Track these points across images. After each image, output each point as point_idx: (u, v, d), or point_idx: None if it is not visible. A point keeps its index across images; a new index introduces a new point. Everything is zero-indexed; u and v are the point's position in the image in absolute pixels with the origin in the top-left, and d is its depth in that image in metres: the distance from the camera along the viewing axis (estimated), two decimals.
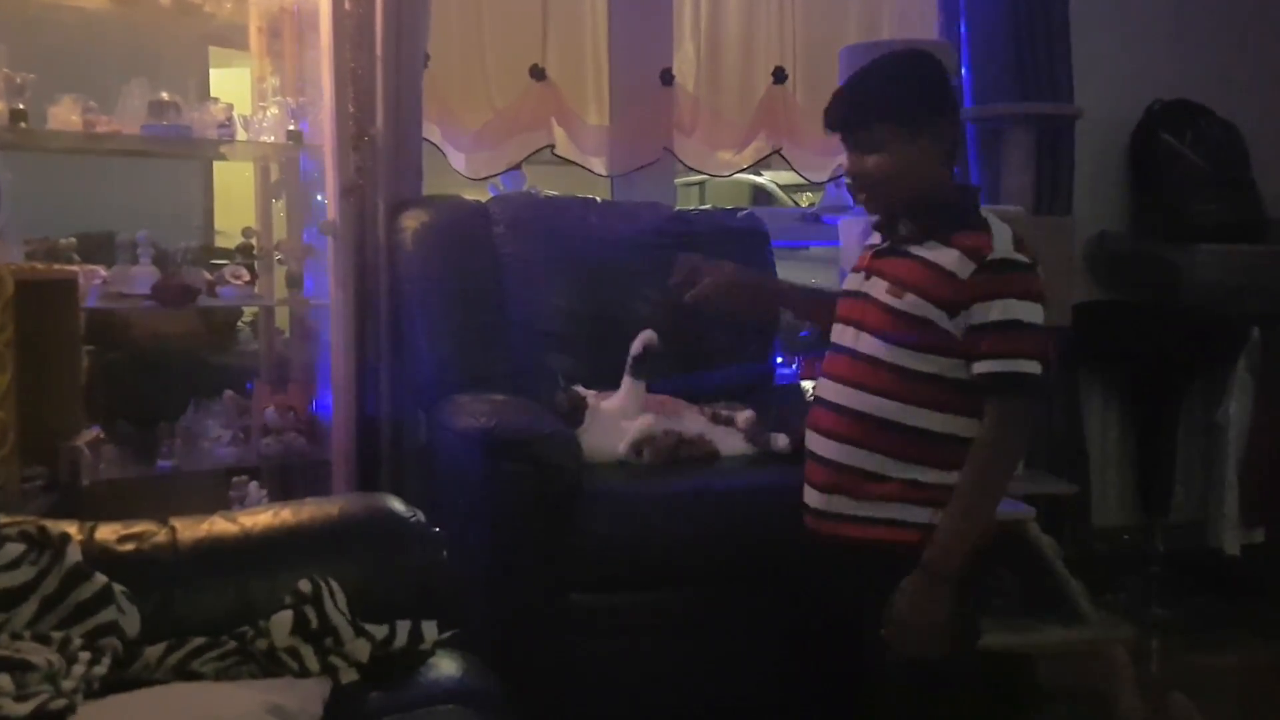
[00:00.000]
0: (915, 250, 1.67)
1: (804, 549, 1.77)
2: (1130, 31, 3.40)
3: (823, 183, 3.38)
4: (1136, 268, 3.25)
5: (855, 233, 2.89)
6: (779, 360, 2.90)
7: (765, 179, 5.34)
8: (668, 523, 2.03)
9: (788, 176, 4.37)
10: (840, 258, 3.05)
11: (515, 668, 1.69)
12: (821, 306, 1.91)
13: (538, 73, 2.98)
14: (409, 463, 2.56)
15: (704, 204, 4.16)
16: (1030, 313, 1.59)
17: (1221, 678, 2.64)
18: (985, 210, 1.69)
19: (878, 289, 1.69)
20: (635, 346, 2.24)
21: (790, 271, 3.10)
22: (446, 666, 1.40)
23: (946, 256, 1.62)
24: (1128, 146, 3.37)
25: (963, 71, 3.12)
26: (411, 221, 2.55)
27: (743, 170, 3.45)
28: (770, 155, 3.24)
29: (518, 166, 3.01)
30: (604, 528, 1.99)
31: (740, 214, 2.95)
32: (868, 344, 1.68)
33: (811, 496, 1.75)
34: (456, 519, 1.98)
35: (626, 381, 2.23)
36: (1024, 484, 2.61)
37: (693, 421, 2.27)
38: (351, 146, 2.54)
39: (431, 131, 2.84)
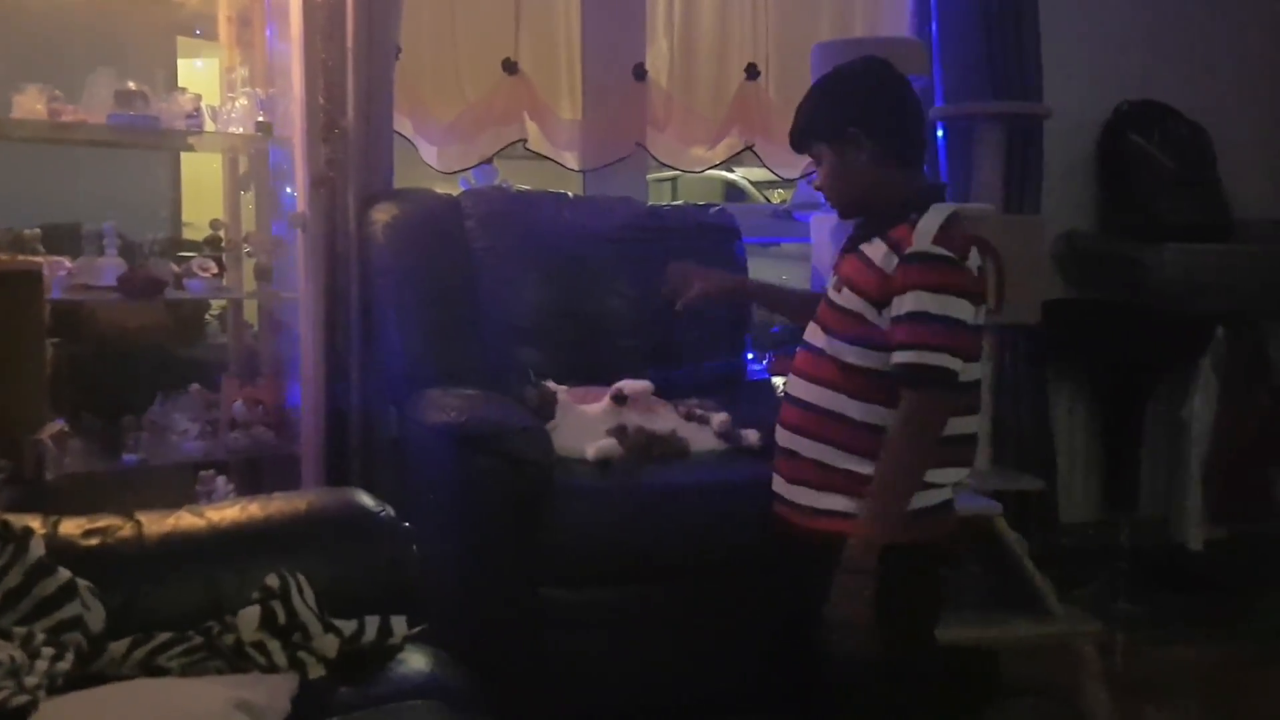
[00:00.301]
0: (861, 248, 1.72)
1: (774, 540, 1.78)
2: (1099, 32, 3.44)
3: (795, 179, 3.39)
4: (1104, 266, 3.29)
5: (826, 230, 2.91)
6: (750, 356, 2.90)
7: (738, 175, 5.35)
8: (639, 518, 2.04)
9: (760, 173, 4.38)
10: (811, 254, 3.07)
11: (487, 663, 1.69)
12: (808, 307, 1.93)
13: (510, 66, 2.97)
14: (379, 457, 2.55)
15: (676, 200, 4.16)
16: (942, 305, 1.59)
17: (1186, 672, 2.67)
18: (943, 206, 1.69)
19: (830, 286, 1.76)
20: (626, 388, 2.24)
21: (761, 268, 3.12)
22: (416, 662, 1.40)
23: (877, 252, 1.67)
24: (1096, 146, 3.41)
25: (934, 70, 3.14)
26: (382, 215, 2.53)
27: (715, 166, 3.46)
28: (742, 151, 3.25)
29: (489, 160, 3.00)
30: (575, 523, 1.99)
31: (712, 210, 2.96)
32: (820, 339, 1.74)
33: (779, 486, 1.78)
34: (427, 514, 1.98)
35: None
36: (992, 480, 2.64)
37: (665, 418, 2.27)
38: (322, 138, 2.53)
39: (403, 124, 2.82)
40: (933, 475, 1.67)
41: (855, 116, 1.73)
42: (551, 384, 2.24)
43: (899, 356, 1.60)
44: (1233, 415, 3.11)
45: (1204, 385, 3.12)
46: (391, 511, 1.54)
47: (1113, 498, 3.33)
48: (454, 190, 2.79)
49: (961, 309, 1.61)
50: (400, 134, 2.79)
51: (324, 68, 2.53)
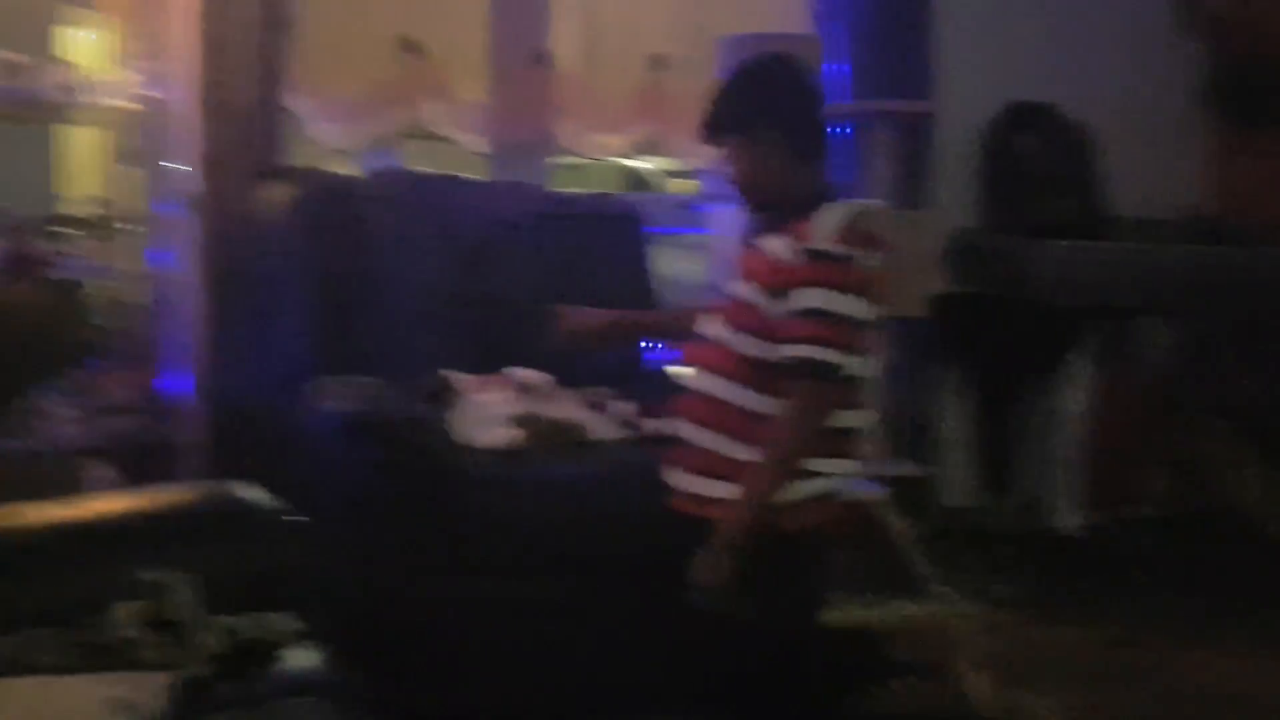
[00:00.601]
0: (763, 241, 1.76)
1: (676, 531, 1.81)
2: (989, 34, 3.54)
3: (699, 171, 3.43)
4: (989, 262, 3.39)
5: (729, 221, 2.96)
6: (650, 345, 2.93)
7: (643, 164, 5.38)
8: (540, 508, 2.04)
9: (665, 162, 4.41)
10: (715, 245, 3.11)
11: (380, 659, 1.69)
12: (688, 323, 1.97)
13: (411, 45, 2.93)
14: (269, 447, 2.48)
15: (582, 187, 4.17)
16: (833, 302, 1.64)
17: (1059, 652, 2.77)
18: (838, 204, 1.74)
19: (731, 279, 1.80)
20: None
21: (665, 257, 3.14)
22: (300, 659, 1.39)
23: (778, 246, 1.71)
24: (984, 144, 3.50)
25: (834, 67, 3.20)
26: (276, 194, 2.48)
27: (621, 154, 3.47)
28: (649, 141, 3.26)
29: (388, 140, 2.95)
30: (475, 513, 1.99)
31: (617, 199, 2.98)
32: (718, 330, 1.77)
33: (677, 477, 1.81)
34: (319, 506, 1.94)
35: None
36: (878, 467, 2.73)
37: (568, 407, 2.28)
38: (212, 114, 2.46)
39: (298, 101, 2.76)
40: (819, 465, 1.71)
41: (767, 111, 1.77)
42: (453, 372, 2.23)
43: (791, 350, 1.65)
44: (1105, 406, 3.26)
45: (1080, 376, 3.26)
46: (278, 505, 1.52)
47: (992, 484, 3.46)
48: (351, 171, 2.74)
49: (853, 306, 1.66)
50: (296, 111, 2.73)
51: (217, 41, 2.46)
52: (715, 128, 1.81)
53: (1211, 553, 3.53)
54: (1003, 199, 3.46)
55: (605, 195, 3.03)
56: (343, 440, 2.01)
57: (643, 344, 2.87)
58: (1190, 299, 3.54)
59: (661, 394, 2.27)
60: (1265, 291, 3.47)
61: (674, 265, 3.46)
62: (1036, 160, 3.39)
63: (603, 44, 3.21)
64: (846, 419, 1.74)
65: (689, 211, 3.53)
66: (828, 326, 1.63)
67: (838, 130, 3.22)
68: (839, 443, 1.75)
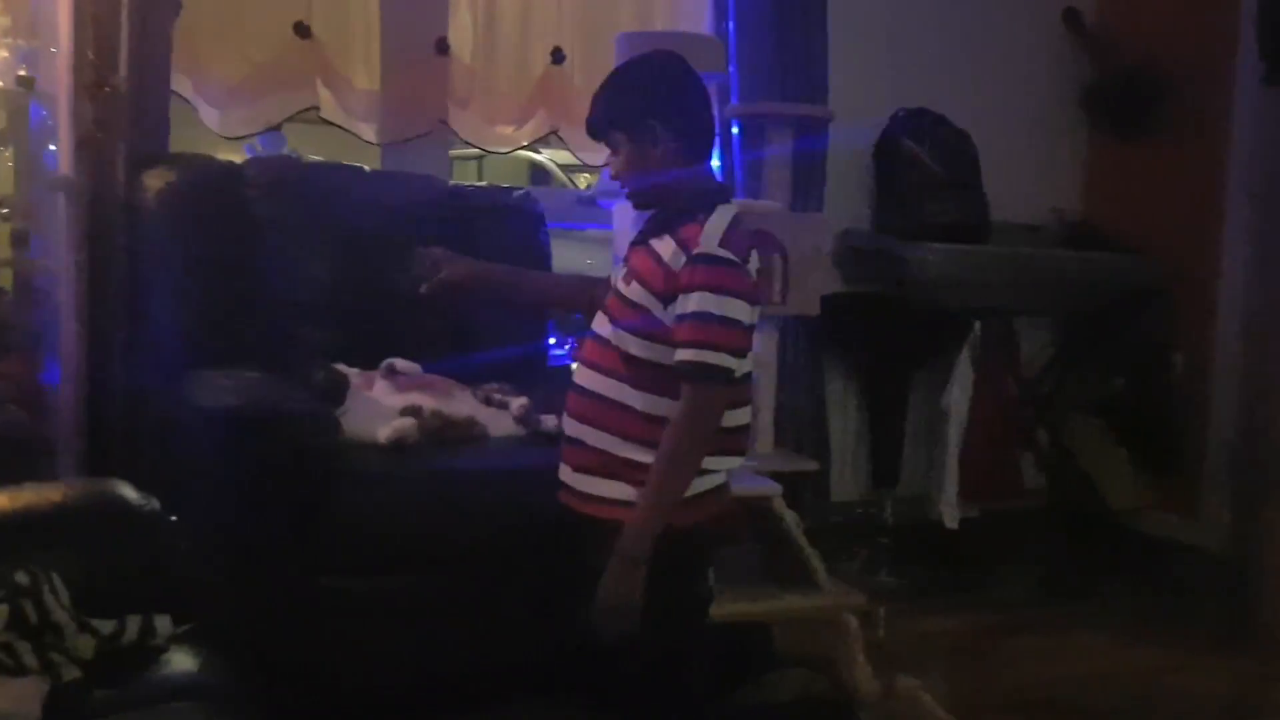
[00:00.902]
0: (650, 241, 1.77)
1: (564, 528, 1.81)
2: (881, 42, 3.65)
3: (600, 165, 3.42)
4: (876, 263, 3.49)
5: (628, 218, 2.96)
6: (553, 341, 2.92)
7: (544, 157, 5.35)
8: (432, 504, 2.01)
9: (566, 156, 4.40)
10: (614, 241, 3.11)
11: (264, 658, 1.64)
12: (580, 292, 1.96)
13: (303, 29, 2.85)
14: (147, 442, 2.39)
15: (481, 180, 4.12)
16: (724, 307, 1.66)
17: (939, 641, 2.88)
18: (729, 207, 1.76)
19: (619, 277, 1.80)
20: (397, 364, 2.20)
21: (565, 252, 3.14)
22: (181, 661, 1.34)
23: (666, 248, 1.72)
24: (874, 149, 3.60)
25: (730, 68, 3.24)
26: (155, 180, 2.38)
27: (521, 148, 3.44)
28: (549, 135, 3.24)
29: (278, 127, 2.87)
30: (362, 510, 1.95)
31: (516, 193, 2.94)
32: (606, 329, 1.78)
33: (564, 474, 1.82)
34: (200, 504, 1.89)
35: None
36: (771, 462, 2.78)
37: (462, 403, 2.25)
38: (89, 96, 2.36)
39: (182, 84, 2.66)
40: (708, 462, 1.74)
41: (653, 107, 1.77)
42: (343, 367, 2.18)
43: (682, 354, 1.67)
44: (985, 403, 3.38)
45: (961, 375, 3.37)
46: (156, 503, 1.46)
47: (879, 478, 3.55)
48: (237, 157, 2.65)
49: (741, 310, 1.69)
50: (178, 94, 2.63)
51: (94, 19, 2.35)
52: (599, 125, 1.82)
53: (1082, 543, 3.72)
54: (891, 202, 3.56)
55: (504, 188, 2.98)
56: (224, 435, 1.94)
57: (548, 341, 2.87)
58: (1061, 301, 3.72)
59: (560, 390, 2.27)
60: (1126, 294, 3.67)
61: (576, 261, 3.47)
62: (922, 165, 3.49)
63: (503, 35, 3.17)
64: (735, 417, 1.77)
65: (590, 207, 3.53)
66: (717, 330, 1.66)
67: (735, 131, 3.28)
68: (727, 440, 1.77)
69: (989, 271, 3.42)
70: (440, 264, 1.96)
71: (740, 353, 1.70)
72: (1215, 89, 3.59)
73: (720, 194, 1.83)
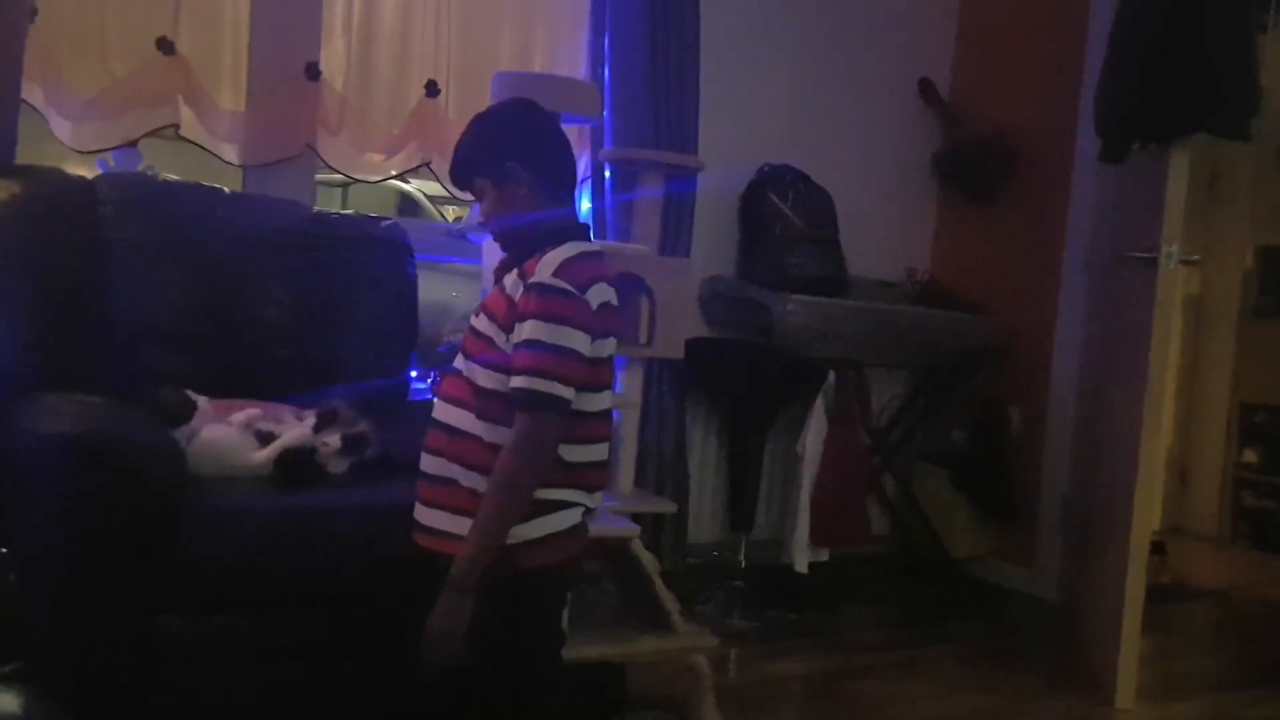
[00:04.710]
0: (504, 277, 1.81)
1: (413, 565, 1.78)
2: (750, 98, 3.78)
3: (469, 200, 3.41)
4: (739, 310, 3.58)
5: (497, 253, 2.96)
6: (414, 375, 2.88)
7: (414, 188, 5.29)
8: (272, 541, 1.94)
9: (436, 187, 4.37)
10: (483, 275, 3.10)
11: (96, 700, 1.55)
12: None
13: (166, 45, 2.76)
14: None
15: (347, 207, 4.05)
16: (555, 335, 1.67)
17: (788, 684, 2.91)
18: (577, 244, 1.78)
19: (473, 312, 1.83)
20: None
21: (433, 285, 3.09)
22: (4, 703, 1.25)
23: (510, 280, 1.76)
24: (740, 200, 3.71)
25: (605, 113, 3.29)
26: (0, 192, 2.25)
27: (390, 177, 3.40)
28: (419, 166, 3.22)
29: (134, 143, 2.76)
30: (202, 546, 1.86)
31: (384, 223, 2.90)
32: (460, 362, 1.80)
33: (417, 510, 1.80)
34: (30, 537, 1.77)
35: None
36: (631, 502, 2.81)
37: (308, 435, 2.19)
38: None
39: (33, 93, 2.54)
40: (564, 496, 1.74)
41: (512, 150, 1.81)
42: (192, 394, 2.10)
43: (515, 381, 1.68)
44: (837, 450, 3.49)
45: (815, 422, 3.47)
46: None
47: (734, 520, 3.61)
48: (90, 172, 2.53)
49: (576, 339, 1.69)
50: (28, 103, 2.50)
51: None
52: (461, 174, 1.86)
53: (927, 588, 3.87)
54: (755, 251, 3.66)
55: (372, 218, 2.93)
56: (60, 463, 1.83)
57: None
58: (911, 354, 3.89)
59: (420, 425, 2.24)
60: (969, 351, 3.88)
61: (443, 294, 3.43)
62: (785, 219, 3.61)
63: (377, 64, 3.14)
64: (586, 452, 1.77)
65: (459, 241, 3.50)
66: (548, 358, 1.67)
67: (607, 175, 3.33)
68: (579, 475, 1.77)
69: (845, 323, 3.54)
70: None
71: (575, 382, 1.70)
72: (1057, 162, 3.83)
73: (574, 231, 1.83)
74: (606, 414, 1.82)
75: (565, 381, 1.68)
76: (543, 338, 1.67)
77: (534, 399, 1.66)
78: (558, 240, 1.76)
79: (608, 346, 1.78)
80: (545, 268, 1.70)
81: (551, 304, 1.68)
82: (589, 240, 1.85)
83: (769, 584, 3.49)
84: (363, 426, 2.24)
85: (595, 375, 1.74)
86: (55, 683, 1.32)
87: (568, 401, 1.69)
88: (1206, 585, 4.32)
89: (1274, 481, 4.95)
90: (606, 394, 1.80)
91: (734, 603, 3.38)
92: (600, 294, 1.75)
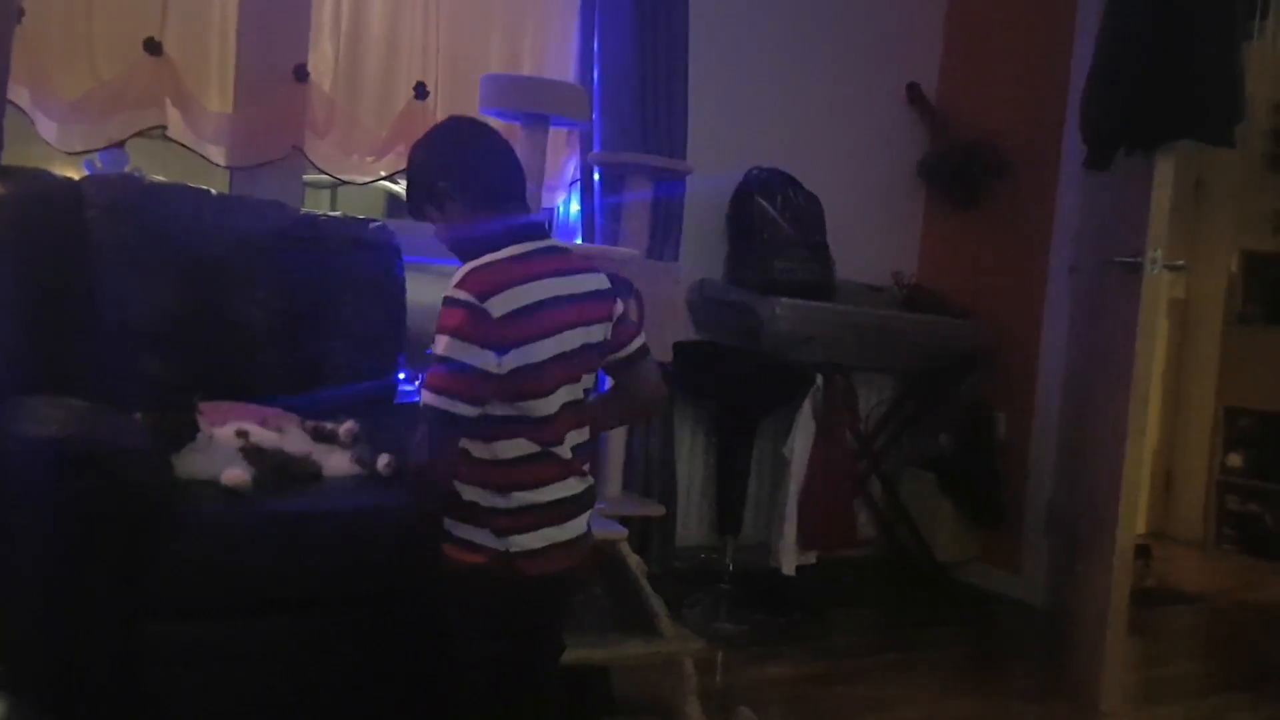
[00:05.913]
0: None
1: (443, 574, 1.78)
2: (740, 103, 3.79)
3: None
4: (727, 313, 3.59)
5: None
6: (402, 377, 2.87)
7: (402, 189, 5.26)
8: (262, 547, 1.93)
9: None
10: None
11: (79, 706, 1.54)
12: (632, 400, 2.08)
13: (153, 46, 2.75)
14: None
15: (335, 209, 4.03)
16: (437, 345, 1.66)
17: (774, 687, 2.91)
18: (515, 246, 1.74)
19: None
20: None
21: (422, 288, 3.08)
22: None
23: None
24: (729, 204, 3.72)
25: (594, 116, 3.29)
26: None
27: (378, 179, 3.39)
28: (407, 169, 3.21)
29: (121, 145, 2.75)
30: (192, 552, 1.85)
31: (373, 225, 2.89)
32: None
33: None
34: (15, 540, 1.76)
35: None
36: (620, 506, 2.80)
37: (297, 439, 2.19)
38: None
39: (19, 94, 2.53)
40: (531, 497, 1.72)
41: (438, 171, 1.82)
42: (181, 400, 2.08)
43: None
44: (824, 454, 3.50)
45: (803, 426, 3.48)
46: None
47: (721, 524, 3.62)
48: (76, 174, 2.52)
49: (454, 348, 1.64)
50: (15, 105, 2.49)
51: None
52: (412, 205, 1.88)
53: (914, 592, 3.88)
54: (743, 255, 3.67)
55: (360, 220, 2.92)
56: (44, 467, 1.82)
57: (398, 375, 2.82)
58: (898, 359, 3.91)
59: (408, 428, 2.23)
60: (956, 355, 3.89)
61: (432, 296, 3.41)
62: (774, 223, 3.62)
63: (366, 67, 3.14)
64: (509, 449, 1.71)
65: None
66: (432, 370, 1.67)
67: (596, 178, 3.33)
68: (509, 473, 1.71)
69: (833, 328, 3.55)
70: None
71: (455, 393, 1.64)
72: (1043, 168, 3.85)
73: (516, 236, 1.77)
74: (561, 415, 1.74)
75: (439, 392, 1.65)
76: (431, 349, 1.68)
77: (421, 411, 1.68)
78: (495, 248, 1.75)
79: (538, 351, 1.70)
80: (454, 279, 1.70)
81: (441, 316, 1.68)
82: (537, 241, 1.79)
83: (756, 587, 3.49)
84: (351, 425, 2.22)
85: (468, 386, 1.65)
86: (38, 688, 1.31)
87: (447, 413, 1.65)
88: (1192, 590, 4.35)
89: (1259, 486, 4.99)
90: (539, 401, 1.71)
91: (721, 606, 3.38)
92: (507, 301, 1.67)
